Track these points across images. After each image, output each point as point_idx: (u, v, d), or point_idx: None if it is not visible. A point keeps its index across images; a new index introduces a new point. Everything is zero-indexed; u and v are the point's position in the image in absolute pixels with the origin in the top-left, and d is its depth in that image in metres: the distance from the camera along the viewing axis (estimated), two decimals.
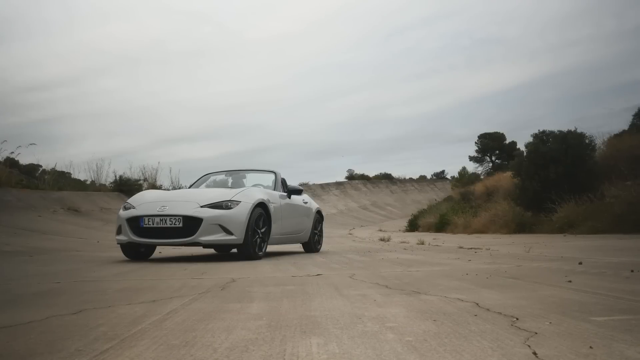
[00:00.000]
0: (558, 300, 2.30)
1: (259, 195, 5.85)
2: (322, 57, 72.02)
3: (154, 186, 17.43)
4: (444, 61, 68.76)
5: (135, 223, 5.48)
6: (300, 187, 7.07)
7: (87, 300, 2.61)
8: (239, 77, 66.74)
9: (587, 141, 12.60)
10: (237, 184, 7.08)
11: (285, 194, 6.79)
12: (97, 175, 15.44)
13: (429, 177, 43.24)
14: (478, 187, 20.51)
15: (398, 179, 40.53)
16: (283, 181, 7.12)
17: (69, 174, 16.68)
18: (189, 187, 7.27)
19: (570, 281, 2.92)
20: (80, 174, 16.89)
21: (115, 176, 15.85)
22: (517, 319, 1.85)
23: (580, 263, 4.03)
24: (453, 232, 16.51)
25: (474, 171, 30.40)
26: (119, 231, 5.67)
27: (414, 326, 1.77)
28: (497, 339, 1.54)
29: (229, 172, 7.39)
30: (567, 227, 11.36)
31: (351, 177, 40.09)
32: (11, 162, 13.58)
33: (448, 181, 38.84)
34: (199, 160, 47.71)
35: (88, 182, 16.88)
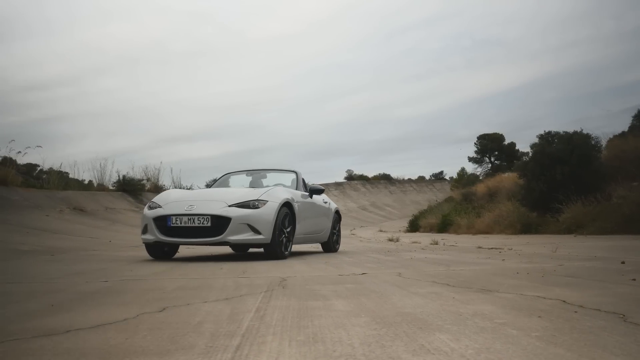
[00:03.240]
0: None
1: (285, 194, 5.85)
2: (322, 58, 72.16)
3: (156, 186, 17.37)
4: (444, 62, 69.11)
5: (162, 222, 5.45)
6: (322, 187, 7.07)
7: (158, 299, 2.59)
8: (239, 77, 66.70)
9: (592, 142, 12.71)
10: (257, 184, 7.07)
11: (307, 193, 6.79)
12: (101, 175, 15.32)
13: (427, 177, 43.48)
14: (480, 188, 20.62)
15: (397, 180, 40.63)
16: (303, 181, 7.12)
17: (67, 173, 16.54)
18: (210, 187, 7.25)
19: (634, 279, 2.95)
20: (84, 174, 16.77)
21: (119, 176, 15.75)
22: (624, 315, 1.87)
23: (623, 262, 4.07)
24: (456, 232, 16.58)
25: (472, 172, 30.56)
26: (144, 230, 5.64)
27: (525, 322, 1.78)
28: (627, 334, 1.56)
29: (249, 172, 7.38)
30: (574, 228, 11.45)
31: (350, 177, 40.13)
32: (10, 162, 13.45)
33: (447, 182, 39.02)
34: (198, 160, 47.65)
35: (86, 182, 16.77)
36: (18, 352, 1.49)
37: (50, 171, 14.78)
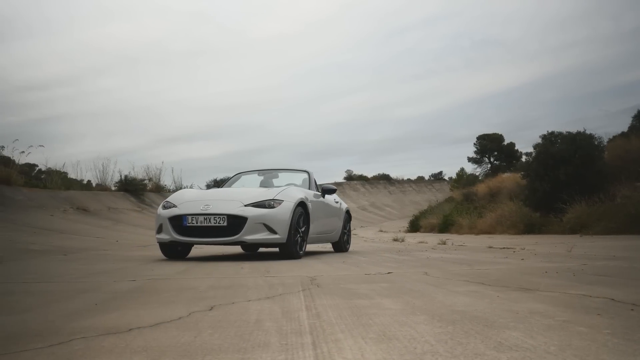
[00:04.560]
0: None
1: (300, 194, 5.85)
2: (321, 58, 72.23)
3: (158, 186, 17.34)
4: (444, 62, 69.25)
5: (177, 222, 5.43)
6: (334, 187, 7.07)
7: (198, 297, 2.58)
8: (238, 77, 66.62)
9: (596, 142, 12.77)
10: (268, 183, 7.06)
11: (320, 193, 6.79)
12: (103, 175, 15.27)
13: (426, 178, 43.51)
14: (481, 188, 20.67)
15: (396, 180, 40.66)
16: (314, 181, 7.13)
17: (66, 173, 16.48)
18: (222, 186, 7.24)
19: None
20: (87, 174, 16.72)
21: (121, 176, 15.70)
22: None
23: None
24: (458, 232, 16.61)
25: (472, 172, 30.63)
26: (159, 230, 5.62)
27: (588, 320, 1.79)
28: None
29: (261, 172, 7.37)
30: (578, 228, 11.49)
31: (350, 177, 40.15)
32: (10, 162, 13.38)
33: (446, 182, 39.09)
34: (198, 160, 47.68)
35: (85, 182, 16.71)
36: (94, 350, 1.49)
37: (49, 171, 14.74)
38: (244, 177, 7.38)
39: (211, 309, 2.22)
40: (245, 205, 5.41)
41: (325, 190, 6.88)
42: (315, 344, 1.51)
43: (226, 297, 2.57)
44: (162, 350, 1.46)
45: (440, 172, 43.48)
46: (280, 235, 5.39)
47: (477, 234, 15.15)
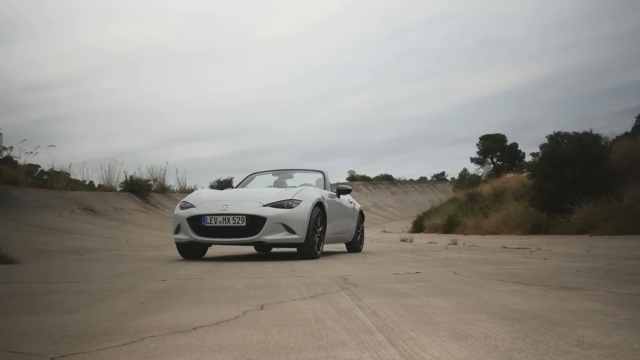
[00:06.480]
0: None
1: (317, 194, 5.85)
2: (323, 58, 72.01)
3: (162, 187, 17.33)
4: (445, 63, 69.05)
5: (196, 222, 5.43)
6: (349, 187, 7.07)
7: (242, 297, 2.58)
8: (240, 77, 66.38)
9: (602, 142, 12.79)
10: (282, 184, 7.05)
11: (335, 193, 6.79)
12: (109, 175, 15.27)
13: (429, 178, 43.49)
14: (485, 189, 20.67)
15: (399, 180, 40.63)
16: (328, 181, 7.13)
17: (68, 174, 16.45)
18: (236, 187, 7.23)
19: None
20: (92, 175, 16.73)
21: (126, 177, 15.69)
22: None
23: None
24: (463, 233, 16.59)
25: (474, 173, 30.68)
26: (177, 230, 5.61)
27: None
28: None
29: (275, 172, 7.37)
30: (586, 229, 11.50)
31: (352, 178, 40.13)
32: (13, 162, 13.35)
33: (448, 183, 39.10)
34: (199, 160, 47.64)
35: (87, 183, 16.70)
36: (171, 348, 1.48)
37: (52, 172, 14.72)
38: (258, 177, 7.37)
39: (262, 308, 2.21)
40: (263, 206, 5.41)
41: (341, 191, 6.88)
42: (392, 342, 1.51)
43: (269, 297, 2.56)
44: (241, 349, 1.45)
45: (443, 173, 43.54)
46: (299, 236, 5.39)
47: (483, 234, 15.15)
